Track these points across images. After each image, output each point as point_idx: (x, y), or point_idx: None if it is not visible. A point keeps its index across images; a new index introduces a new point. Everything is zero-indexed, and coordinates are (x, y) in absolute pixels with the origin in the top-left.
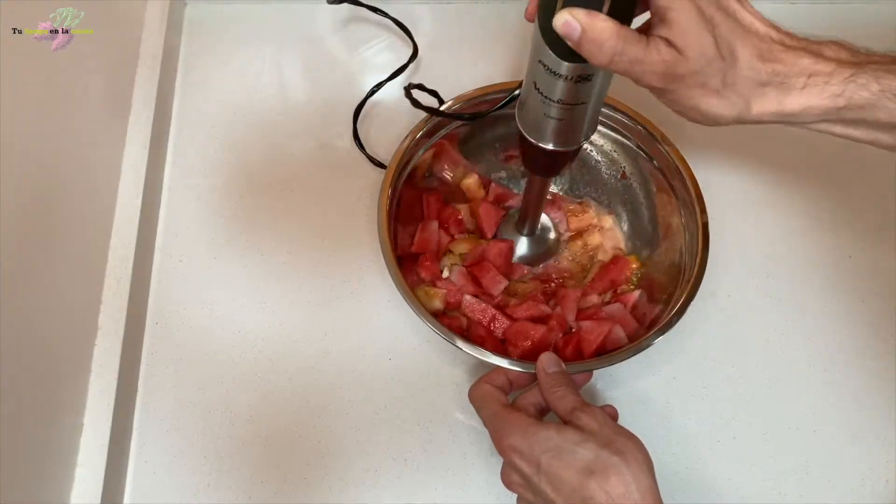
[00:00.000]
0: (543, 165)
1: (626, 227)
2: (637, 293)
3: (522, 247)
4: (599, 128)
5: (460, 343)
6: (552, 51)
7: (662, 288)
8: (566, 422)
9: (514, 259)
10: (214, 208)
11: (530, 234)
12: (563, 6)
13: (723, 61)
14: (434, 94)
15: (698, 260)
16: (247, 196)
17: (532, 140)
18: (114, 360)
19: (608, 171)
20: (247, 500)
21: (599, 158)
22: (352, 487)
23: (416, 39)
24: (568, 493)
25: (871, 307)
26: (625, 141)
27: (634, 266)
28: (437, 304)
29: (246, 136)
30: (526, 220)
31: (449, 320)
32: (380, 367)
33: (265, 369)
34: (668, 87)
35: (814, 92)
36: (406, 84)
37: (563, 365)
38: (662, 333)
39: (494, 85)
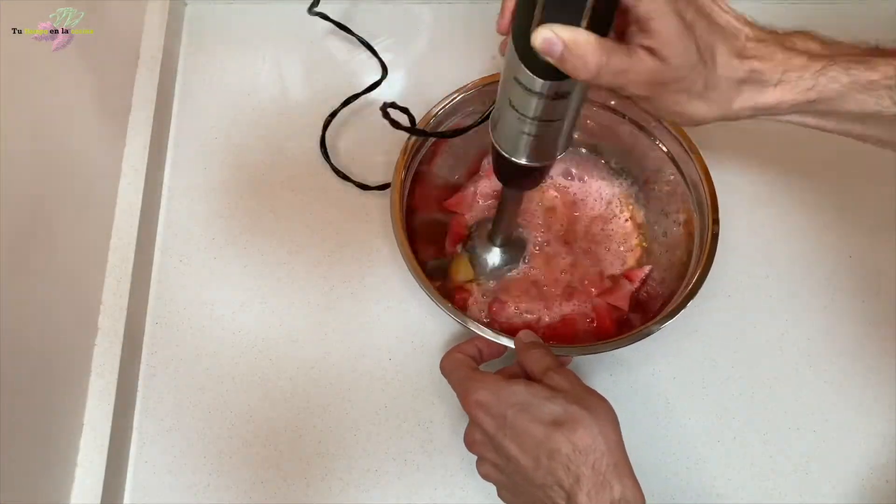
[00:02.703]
0: (518, 180)
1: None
2: (647, 268)
3: (495, 257)
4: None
5: (472, 325)
6: (528, 69)
7: (665, 284)
8: (537, 382)
9: (488, 269)
10: (214, 208)
11: (504, 245)
12: (541, 23)
13: (705, 66)
14: (405, 111)
15: (702, 266)
16: (247, 196)
17: (507, 155)
18: (114, 360)
19: (627, 161)
20: (247, 500)
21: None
22: (352, 487)
23: (382, 56)
24: (532, 447)
25: (871, 307)
26: (648, 140)
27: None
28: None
29: (246, 136)
30: (498, 232)
31: (463, 293)
32: (380, 367)
33: (265, 369)
34: (652, 95)
35: (787, 87)
36: (381, 105)
37: (542, 342)
38: (656, 328)
39: (484, 78)
